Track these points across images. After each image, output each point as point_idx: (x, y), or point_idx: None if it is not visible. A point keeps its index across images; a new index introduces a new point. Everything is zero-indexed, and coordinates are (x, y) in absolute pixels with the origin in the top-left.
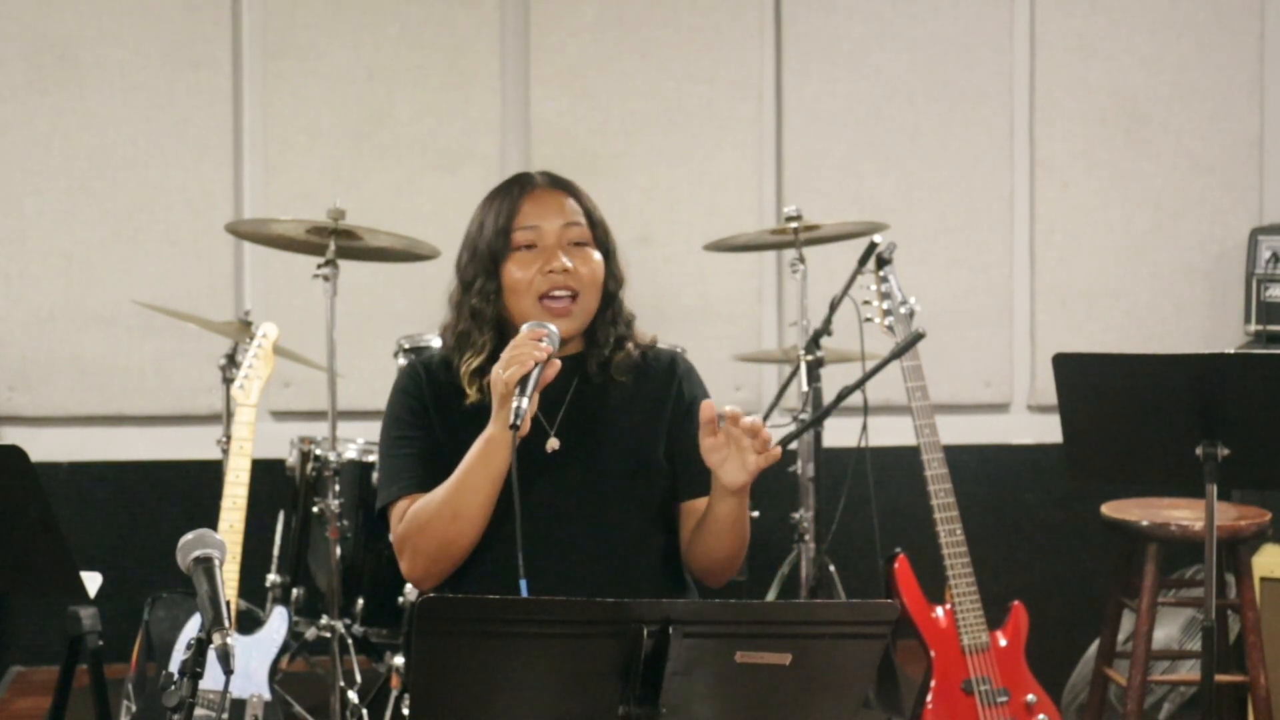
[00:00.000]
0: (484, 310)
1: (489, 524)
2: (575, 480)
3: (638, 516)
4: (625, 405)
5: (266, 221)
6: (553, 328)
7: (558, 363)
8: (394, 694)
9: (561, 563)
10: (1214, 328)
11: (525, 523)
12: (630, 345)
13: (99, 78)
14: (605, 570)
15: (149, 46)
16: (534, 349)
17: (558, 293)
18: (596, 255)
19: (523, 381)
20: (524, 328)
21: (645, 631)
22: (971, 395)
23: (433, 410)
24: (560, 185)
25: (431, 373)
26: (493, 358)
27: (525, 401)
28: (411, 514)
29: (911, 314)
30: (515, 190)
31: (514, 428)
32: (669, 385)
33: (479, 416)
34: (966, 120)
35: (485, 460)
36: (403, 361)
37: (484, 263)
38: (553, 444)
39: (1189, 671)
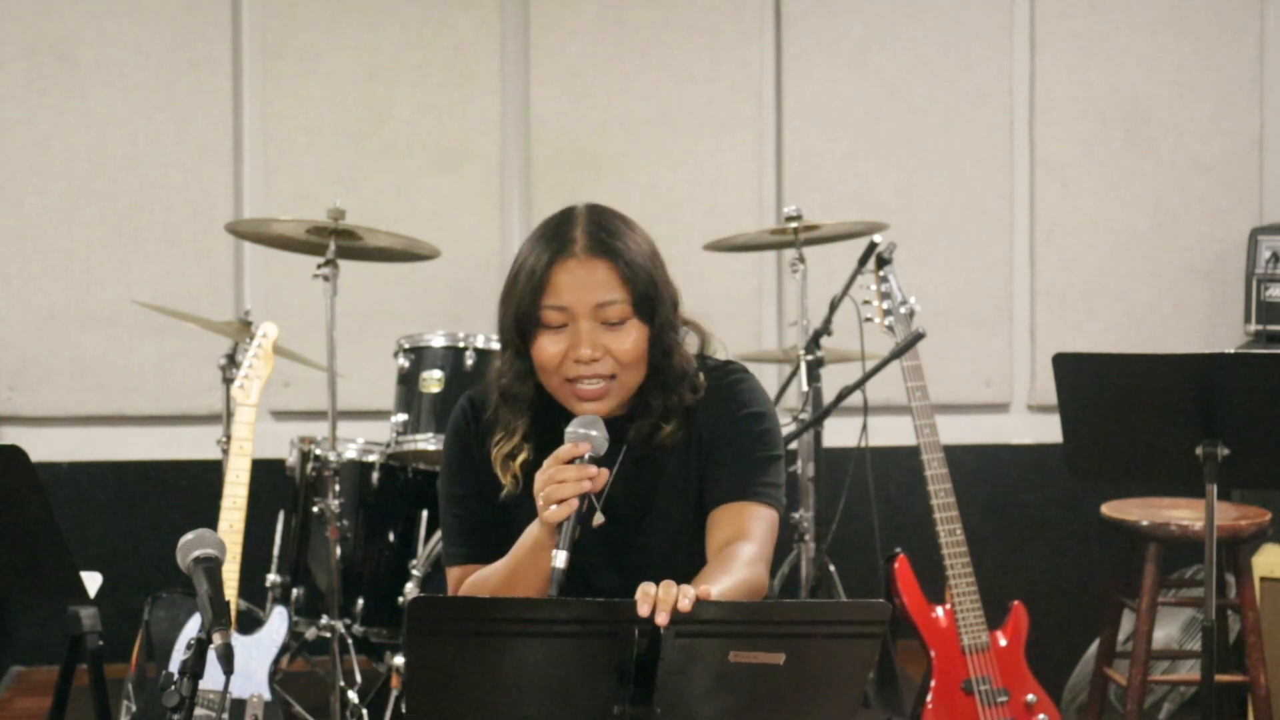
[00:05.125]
0: (517, 392)
1: None
2: (619, 554)
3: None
4: (673, 468)
5: (266, 221)
6: (594, 432)
7: (605, 474)
8: (394, 694)
9: None
10: (1214, 328)
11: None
12: (685, 400)
13: (99, 78)
14: None
15: (149, 46)
16: (577, 483)
17: (587, 383)
18: (634, 332)
19: (567, 520)
20: (568, 433)
21: (637, 631)
22: (971, 395)
23: (477, 453)
24: (601, 250)
25: (479, 412)
26: (528, 439)
27: (563, 558)
28: (465, 593)
29: (911, 314)
30: (549, 253)
31: (550, 597)
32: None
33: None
34: (966, 120)
35: (534, 562)
36: (403, 362)
37: (513, 336)
38: (599, 520)
39: (1189, 671)
